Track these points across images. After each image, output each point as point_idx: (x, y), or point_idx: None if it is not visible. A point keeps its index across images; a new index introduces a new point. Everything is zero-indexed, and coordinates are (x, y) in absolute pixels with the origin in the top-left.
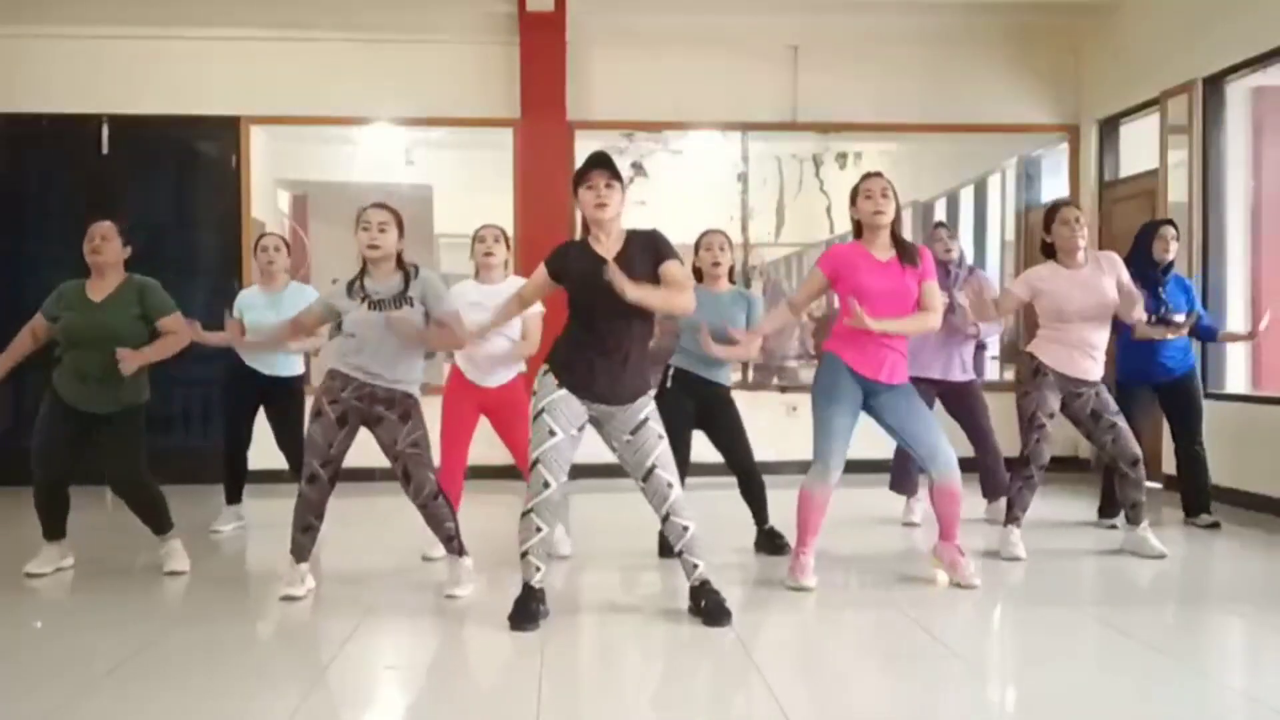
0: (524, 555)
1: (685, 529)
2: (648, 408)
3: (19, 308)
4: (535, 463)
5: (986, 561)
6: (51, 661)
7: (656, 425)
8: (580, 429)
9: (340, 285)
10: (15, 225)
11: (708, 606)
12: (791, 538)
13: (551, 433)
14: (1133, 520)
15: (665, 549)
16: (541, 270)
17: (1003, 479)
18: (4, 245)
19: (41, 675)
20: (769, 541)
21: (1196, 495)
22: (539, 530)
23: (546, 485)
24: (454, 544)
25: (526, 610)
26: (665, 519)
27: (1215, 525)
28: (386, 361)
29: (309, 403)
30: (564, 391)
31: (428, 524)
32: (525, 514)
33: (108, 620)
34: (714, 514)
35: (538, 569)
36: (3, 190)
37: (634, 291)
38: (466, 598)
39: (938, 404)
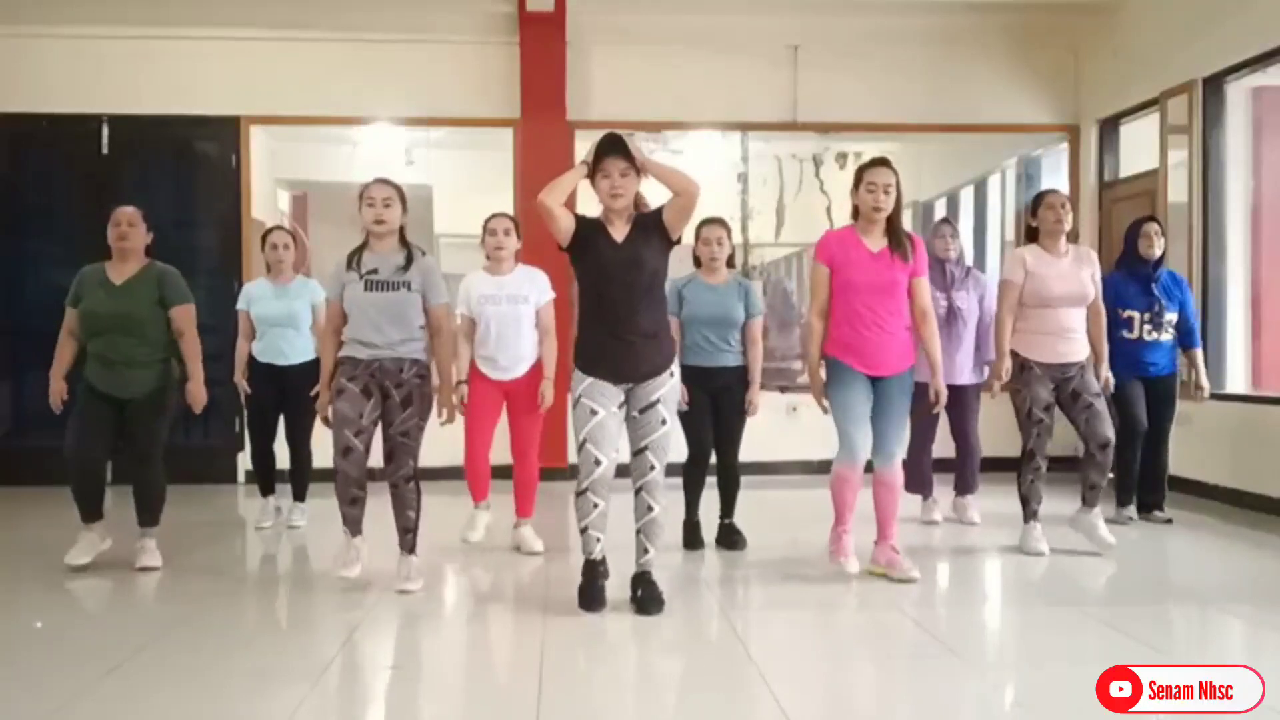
0: (584, 530)
1: (650, 509)
2: (663, 389)
3: (19, 307)
4: (583, 443)
5: (987, 561)
6: (51, 661)
7: (664, 410)
8: (620, 406)
9: (340, 259)
10: (15, 225)
11: (643, 596)
12: (790, 537)
13: (593, 412)
14: (1088, 503)
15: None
16: (570, 218)
17: (974, 476)
18: (4, 245)
19: (41, 675)
20: (727, 536)
21: (1155, 491)
22: (596, 505)
23: (597, 463)
24: (409, 538)
25: (594, 588)
26: (637, 493)
27: (1169, 521)
28: (383, 331)
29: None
30: (593, 378)
31: (392, 504)
32: (580, 493)
33: (107, 620)
34: (709, 514)
35: (598, 540)
36: (3, 190)
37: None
38: (465, 599)
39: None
